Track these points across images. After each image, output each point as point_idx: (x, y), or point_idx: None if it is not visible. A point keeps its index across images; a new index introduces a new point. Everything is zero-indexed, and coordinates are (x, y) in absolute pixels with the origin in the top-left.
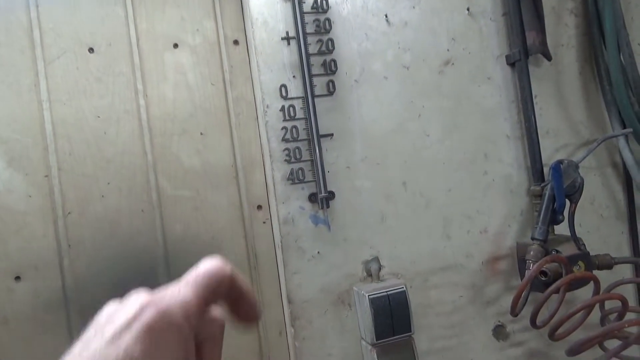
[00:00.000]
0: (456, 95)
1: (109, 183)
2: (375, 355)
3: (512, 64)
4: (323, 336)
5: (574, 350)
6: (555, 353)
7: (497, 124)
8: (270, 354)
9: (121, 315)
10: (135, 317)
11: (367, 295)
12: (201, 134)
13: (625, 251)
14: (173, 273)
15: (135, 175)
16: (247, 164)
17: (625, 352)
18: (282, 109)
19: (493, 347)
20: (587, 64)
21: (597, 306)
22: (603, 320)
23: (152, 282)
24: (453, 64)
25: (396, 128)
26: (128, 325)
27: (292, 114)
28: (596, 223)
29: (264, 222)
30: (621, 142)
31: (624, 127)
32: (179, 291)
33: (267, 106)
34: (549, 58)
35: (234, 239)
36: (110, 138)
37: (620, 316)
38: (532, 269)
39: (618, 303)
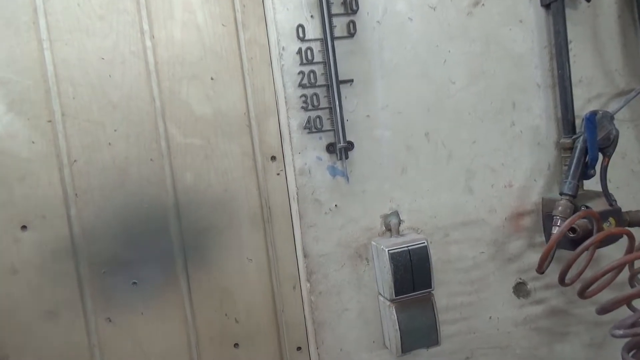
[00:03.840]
0: (485, 39)
1: (115, 130)
2: (394, 311)
3: (547, 5)
4: (339, 291)
5: (605, 309)
6: (577, 311)
7: (528, 71)
8: (284, 309)
9: None
10: None
11: (386, 250)
12: (212, 79)
13: None
14: (184, 223)
15: (143, 121)
16: (260, 112)
17: None
18: (299, 51)
19: (513, 304)
20: (626, 7)
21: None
22: (631, 279)
23: (163, 231)
24: (483, 4)
25: (419, 74)
26: None
27: (309, 57)
28: (626, 178)
29: (278, 174)
30: None
31: None
32: None
33: (283, 48)
34: None
35: (247, 190)
36: (116, 81)
37: None
38: (563, 224)
39: None
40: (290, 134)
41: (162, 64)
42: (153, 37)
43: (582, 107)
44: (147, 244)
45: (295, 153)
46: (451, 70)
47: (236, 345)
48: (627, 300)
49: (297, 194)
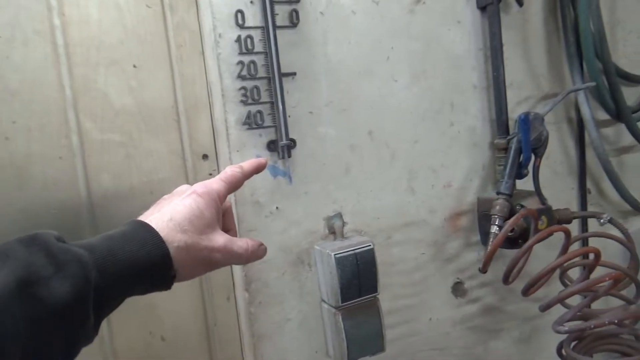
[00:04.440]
0: (426, 38)
1: (14, 122)
2: (341, 319)
3: (483, 7)
4: (281, 300)
5: (549, 306)
6: (508, 308)
7: (465, 72)
8: (217, 322)
9: (180, 193)
10: (190, 193)
11: (332, 254)
12: (134, 66)
13: (574, 207)
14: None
15: (50, 112)
16: (190, 105)
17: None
18: (238, 39)
19: (451, 304)
20: (551, 14)
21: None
22: (562, 275)
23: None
24: (424, 2)
25: (363, 71)
26: (187, 195)
27: (249, 46)
28: (550, 178)
29: (210, 174)
30: (581, 96)
31: (584, 82)
32: (216, 182)
33: (220, 35)
34: (520, 3)
35: None
36: (15, 64)
37: (591, 269)
38: (507, 224)
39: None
40: (227, 130)
41: (74, 47)
42: (63, 14)
43: (513, 109)
44: None
45: (232, 151)
46: (394, 67)
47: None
48: (570, 295)
49: (234, 195)
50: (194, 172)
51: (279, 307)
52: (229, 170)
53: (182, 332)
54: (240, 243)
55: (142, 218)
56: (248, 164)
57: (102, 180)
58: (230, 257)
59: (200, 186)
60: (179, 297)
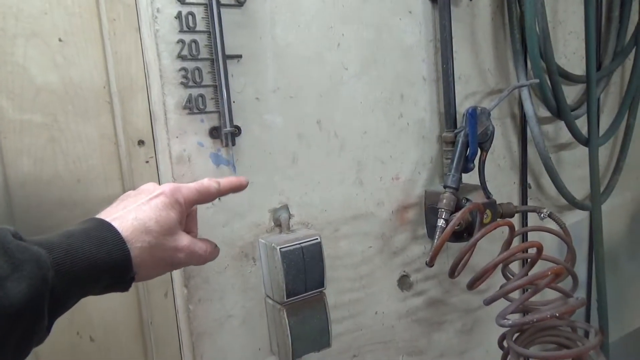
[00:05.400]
0: (377, 26)
1: None
2: (285, 315)
3: None
4: (222, 296)
5: (494, 299)
6: (451, 300)
7: (415, 63)
8: (153, 320)
9: (147, 191)
10: (158, 193)
11: (278, 248)
12: (60, 40)
13: (515, 200)
14: (20, 224)
15: None
16: (125, 86)
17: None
18: (179, 15)
19: (397, 297)
20: (498, 10)
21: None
22: (504, 269)
23: None
24: None
25: (313, 57)
26: (155, 196)
27: (190, 24)
28: (494, 172)
29: (147, 162)
30: (524, 93)
31: (528, 79)
32: (187, 188)
33: (158, 10)
34: None
35: (107, 181)
36: None
37: (533, 263)
38: (455, 218)
39: None
40: (165, 115)
41: None
42: None
43: (460, 103)
44: None
45: (171, 137)
46: (345, 55)
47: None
48: (515, 290)
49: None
50: (128, 159)
51: (220, 303)
52: (205, 182)
53: (114, 332)
54: (201, 244)
55: (104, 215)
56: (227, 180)
57: (21, 165)
58: (191, 258)
59: (168, 187)
60: (111, 294)
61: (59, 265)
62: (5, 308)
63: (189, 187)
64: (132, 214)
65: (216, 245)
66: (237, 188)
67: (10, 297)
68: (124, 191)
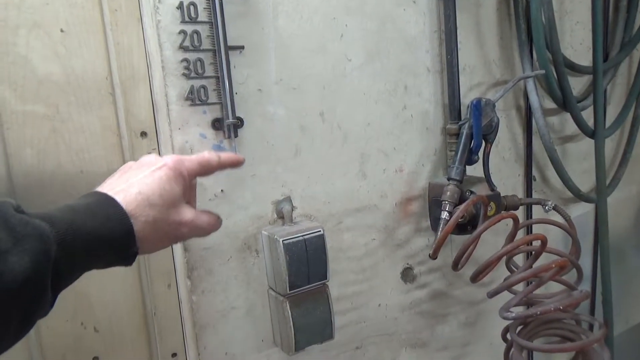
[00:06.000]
0: (381, 17)
1: None
2: (288, 307)
3: None
4: (225, 288)
5: (497, 292)
6: (455, 292)
7: (419, 54)
8: (157, 311)
9: (149, 164)
10: (161, 165)
11: (281, 240)
12: (62, 31)
13: (520, 193)
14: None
15: None
16: (127, 77)
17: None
18: (180, 6)
19: (400, 290)
20: (504, 0)
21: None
22: (508, 262)
23: None
24: None
25: (316, 48)
26: (158, 168)
27: (192, 14)
28: (498, 164)
29: (150, 153)
30: (530, 84)
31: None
32: (189, 160)
33: (159, 0)
34: None
35: (109, 172)
36: None
37: (537, 256)
38: (458, 210)
39: None
40: (167, 106)
41: None
42: None
43: (465, 94)
44: None
45: (174, 129)
46: (348, 46)
47: (95, 359)
48: (519, 282)
49: None
50: (131, 150)
51: (223, 295)
52: (206, 154)
53: (118, 322)
54: (204, 217)
55: (107, 188)
56: (226, 155)
57: (25, 156)
58: (195, 231)
59: (171, 159)
60: (114, 285)
61: (62, 239)
62: (7, 283)
63: (191, 159)
64: (135, 187)
65: (219, 217)
66: (236, 163)
67: (14, 271)
68: None
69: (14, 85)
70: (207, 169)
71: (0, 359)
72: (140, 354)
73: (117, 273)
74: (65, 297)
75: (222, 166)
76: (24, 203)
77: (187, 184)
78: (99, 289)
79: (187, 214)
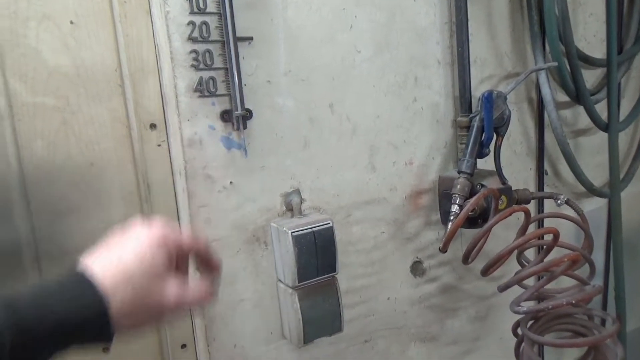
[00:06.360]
0: (390, 8)
1: None
2: (297, 299)
3: None
4: (234, 280)
5: (508, 286)
6: (465, 287)
7: (430, 46)
8: None
9: (134, 237)
10: (146, 238)
11: (289, 232)
12: (72, 22)
13: (531, 187)
14: (34, 205)
15: None
16: (136, 69)
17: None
18: None
19: (410, 283)
20: None
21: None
22: (519, 256)
23: (3, 216)
24: None
25: (325, 39)
26: (142, 242)
27: (201, 5)
28: (509, 158)
29: (159, 145)
30: (542, 77)
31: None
32: (178, 234)
33: None
34: None
35: (119, 164)
36: None
37: (549, 250)
38: (469, 203)
39: None
40: (176, 97)
41: None
42: None
43: (476, 87)
44: None
45: (182, 120)
46: (357, 37)
47: (105, 349)
48: (530, 276)
49: (184, 168)
50: (140, 142)
51: (232, 287)
52: (201, 239)
53: None
54: (193, 293)
55: (88, 260)
56: (216, 258)
57: (36, 148)
58: (181, 307)
59: (156, 232)
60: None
61: (25, 328)
62: None
63: (181, 234)
64: (116, 260)
65: (213, 292)
66: (215, 272)
67: None
68: (137, 175)
69: (24, 77)
70: (194, 249)
71: None
72: (149, 344)
73: None
74: None
75: (202, 256)
76: (35, 195)
77: (172, 257)
78: None
79: (170, 293)
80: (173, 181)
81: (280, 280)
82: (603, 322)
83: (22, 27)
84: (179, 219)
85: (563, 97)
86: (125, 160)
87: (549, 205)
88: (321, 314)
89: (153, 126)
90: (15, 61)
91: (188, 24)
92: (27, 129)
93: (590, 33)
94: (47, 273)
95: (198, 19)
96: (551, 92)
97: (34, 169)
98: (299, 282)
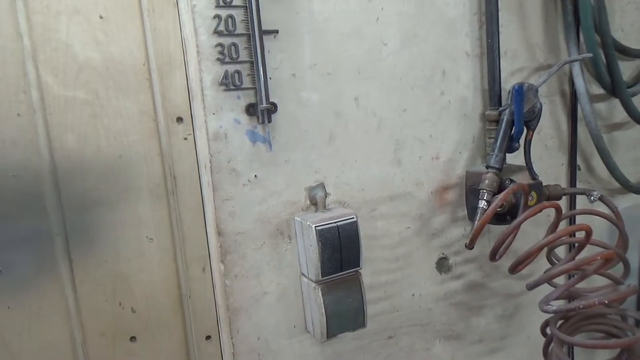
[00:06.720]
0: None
1: None
2: (320, 294)
3: None
4: (258, 273)
5: (537, 284)
6: (492, 284)
7: (458, 38)
8: (191, 294)
9: None
10: None
11: (313, 226)
12: (101, 17)
13: (563, 183)
14: (65, 196)
15: (6, 63)
16: (163, 62)
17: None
18: None
19: (435, 280)
20: None
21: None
22: (549, 253)
23: (36, 206)
24: None
25: (351, 32)
26: None
27: None
28: (540, 153)
29: (186, 138)
30: (576, 68)
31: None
32: None
33: None
34: None
35: (147, 157)
36: None
37: (581, 247)
38: (497, 199)
39: None
40: (202, 91)
41: None
42: None
43: (506, 79)
44: (15, 221)
45: (208, 114)
46: (384, 30)
47: (133, 338)
48: (560, 274)
49: (210, 162)
50: (167, 135)
51: (256, 280)
52: None
53: (154, 304)
54: None
55: None
56: None
57: (66, 141)
58: None
59: None
60: (152, 268)
61: None
62: None
63: None
64: None
65: None
66: None
67: None
68: (163, 168)
69: (55, 71)
70: None
71: (43, 336)
72: (175, 335)
73: (153, 257)
74: (105, 278)
75: None
76: (66, 186)
77: None
78: (138, 271)
79: None
80: (199, 174)
81: (303, 274)
82: (637, 323)
83: (53, 22)
84: (204, 212)
85: (597, 90)
86: (152, 153)
87: (581, 202)
88: (344, 308)
89: (180, 119)
90: (47, 55)
91: (214, 17)
92: (59, 121)
93: (627, 22)
94: (77, 263)
95: (224, 13)
96: (585, 85)
97: (64, 161)
98: (322, 277)
